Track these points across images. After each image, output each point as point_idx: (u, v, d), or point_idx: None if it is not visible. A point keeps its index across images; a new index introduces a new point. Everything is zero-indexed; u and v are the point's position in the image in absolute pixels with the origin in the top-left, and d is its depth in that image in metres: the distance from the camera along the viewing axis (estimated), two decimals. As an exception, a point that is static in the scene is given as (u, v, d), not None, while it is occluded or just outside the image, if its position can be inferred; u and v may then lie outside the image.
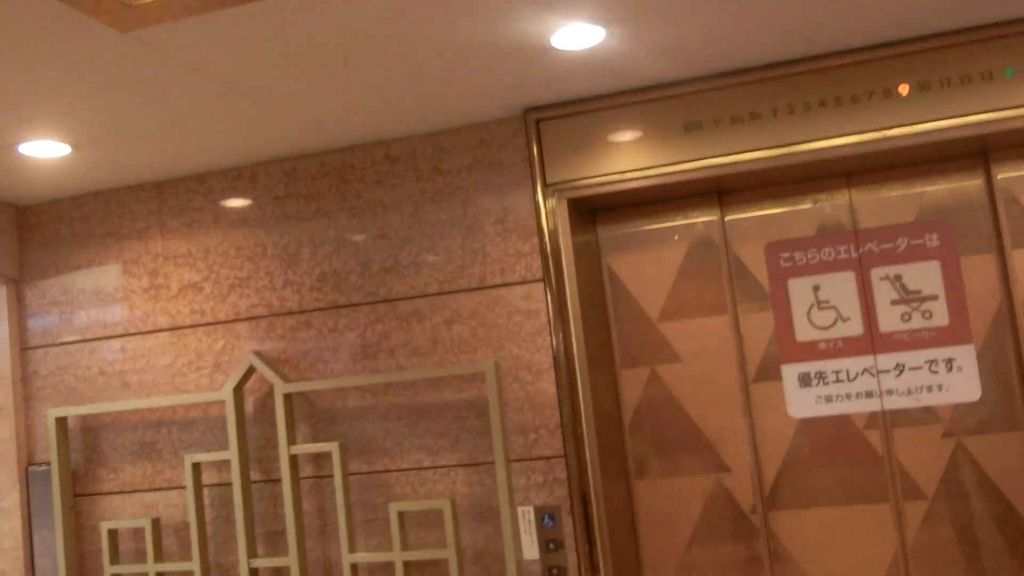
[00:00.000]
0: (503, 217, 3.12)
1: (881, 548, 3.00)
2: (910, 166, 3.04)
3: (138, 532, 3.41)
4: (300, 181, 3.33)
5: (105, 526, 3.37)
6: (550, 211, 3.05)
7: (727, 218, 3.20)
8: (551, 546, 2.99)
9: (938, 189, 3.04)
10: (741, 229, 3.18)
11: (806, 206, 3.14)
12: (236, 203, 3.41)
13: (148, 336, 3.46)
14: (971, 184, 3.01)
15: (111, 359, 3.49)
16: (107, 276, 3.53)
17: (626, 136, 3.01)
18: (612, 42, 2.58)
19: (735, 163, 2.90)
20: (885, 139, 2.80)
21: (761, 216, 3.18)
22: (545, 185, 3.06)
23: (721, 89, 2.91)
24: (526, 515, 3.01)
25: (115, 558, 3.38)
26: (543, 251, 3.06)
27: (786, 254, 3.13)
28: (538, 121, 3.06)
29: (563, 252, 3.03)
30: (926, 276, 2.99)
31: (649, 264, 3.24)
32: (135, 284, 3.50)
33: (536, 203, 3.07)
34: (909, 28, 2.72)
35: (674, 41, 2.63)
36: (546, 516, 3.00)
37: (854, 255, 3.07)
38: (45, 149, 3.00)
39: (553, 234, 3.05)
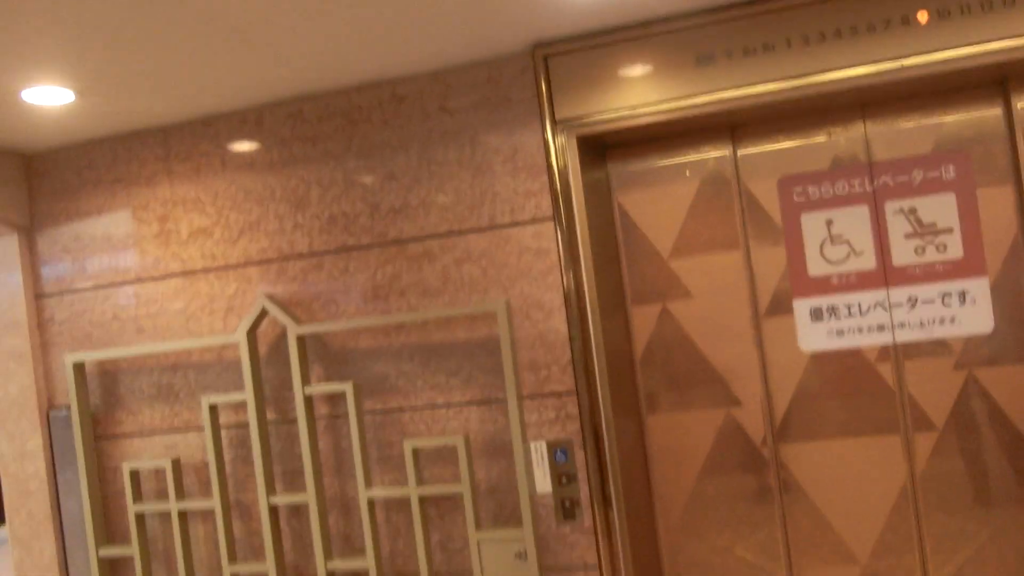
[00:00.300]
0: (512, 155, 3.08)
1: (890, 479, 3.04)
2: (927, 96, 2.97)
3: (159, 472, 3.48)
4: (306, 123, 3.29)
5: (127, 466, 3.45)
6: (559, 148, 3.01)
7: (740, 153, 3.16)
8: (564, 480, 3.04)
9: (956, 119, 2.98)
10: (754, 164, 3.14)
11: (820, 139, 3.09)
12: (243, 147, 3.38)
13: (160, 281, 3.47)
14: (989, 114, 2.95)
15: (125, 304, 3.52)
16: (117, 222, 3.53)
17: (636, 71, 2.95)
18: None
19: (748, 96, 2.84)
20: (902, 69, 2.73)
21: (774, 150, 3.13)
22: (554, 122, 3.01)
23: (734, 20, 2.83)
24: (539, 450, 3.05)
25: (138, 497, 3.47)
26: (553, 189, 3.04)
27: (799, 188, 3.09)
28: (546, 57, 3.00)
29: (573, 190, 3.01)
30: (941, 208, 2.96)
31: (660, 201, 3.21)
32: (145, 230, 3.50)
33: (545, 140, 3.03)
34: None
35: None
36: (559, 450, 3.04)
37: (868, 188, 3.03)
38: (49, 95, 2.96)
39: (563, 172, 3.01)
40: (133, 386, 3.52)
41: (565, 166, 3.01)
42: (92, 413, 3.56)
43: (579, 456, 3.03)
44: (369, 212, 3.24)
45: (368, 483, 3.18)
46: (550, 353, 3.05)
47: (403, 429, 3.22)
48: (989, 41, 2.66)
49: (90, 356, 3.48)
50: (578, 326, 3.01)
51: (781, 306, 3.12)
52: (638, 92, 2.94)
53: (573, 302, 3.01)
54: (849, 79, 2.77)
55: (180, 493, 3.42)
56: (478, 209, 3.13)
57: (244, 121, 3.36)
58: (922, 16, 2.70)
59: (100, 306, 3.54)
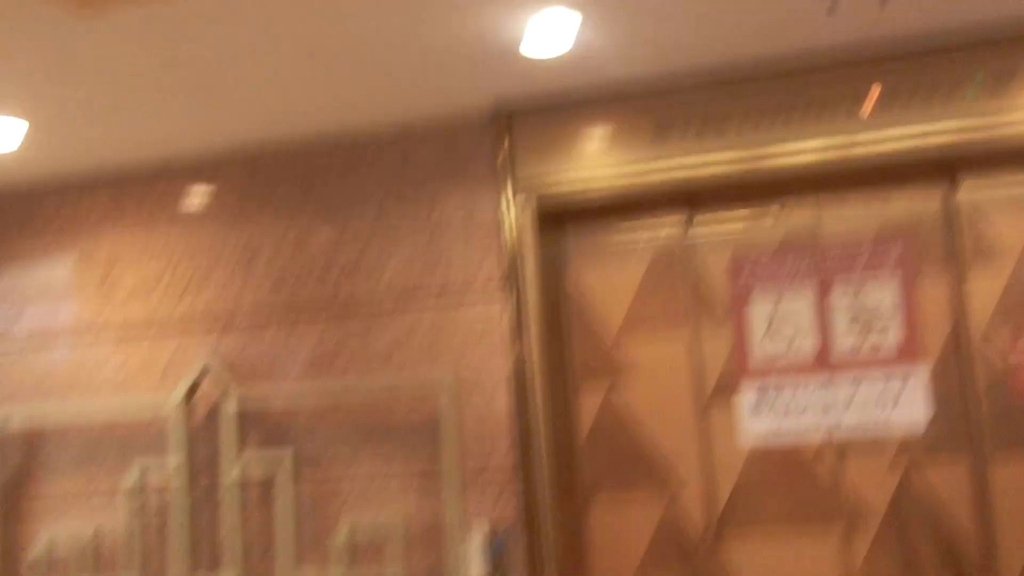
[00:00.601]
0: (468, 220, 3.07)
1: (828, 574, 2.95)
2: (876, 180, 3.01)
3: (79, 540, 3.27)
4: (262, 175, 3.27)
5: (45, 534, 3.28)
6: (516, 216, 3.02)
7: (693, 229, 3.17)
8: (498, 568, 2.91)
9: (902, 204, 3.01)
10: (706, 241, 3.15)
11: (771, 219, 3.12)
12: (196, 198, 3.34)
13: (99, 335, 3.37)
14: (934, 200, 2.99)
15: (58, 359, 3.39)
16: (58, 271, 3.44)
17: (596, 139, 2.99)
18: (586, 34, 2.54)
19: (703, 167, 2.90)
20: (853, 146, 2.82)
21: (727, 229, 3.15)
22: (513, 188, 3.03)
23: (694, 91, 2.92)
24: (475, 538, 2.94)
25: (55, 567, 3.26)
26: (506, 258, 3.02)
27: (748, 267, 3.11)
28: (510, 117, 3.03)
29: (527, 260, 3.01)
30: (884, 294, 2.99)
31: (612, 275, 3.20)
32: (87, 280, 3.41)
33: (502, 207, 3.04)
34: (882, 41, 2.76)
35: (649, 36, 2.61)
36: (497, 536, 2.93)
37: (815, 270, 3.06)
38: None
39: (517, 241, 3.02)
40: (60, 445, 3.34)
41: (520, 235, 3.01)
42: (13, 473, 3.36)
43: (517, 543, 2.92)
44: (320, 274, 3.19)
45: (299, 559, 3.03)
46: (494, 431, 2.98)
47: (340, 501, 3.09)
48: (937, 126, 2.77)
49: (16, 411, 3.34)
50: (523, 404, 2.96)
51: (725, 390, 3.08)
52: (596, 160, 2.98)
53: (520, 380, 2.96)
54: (802, 159, 2.85)
55: (98, 564, 3.22)
56: (430, 276, 3.10)
57: (198, 170, 3.32)
58: (873, 92, 2.81)
59: (31, 359, 3.41)
